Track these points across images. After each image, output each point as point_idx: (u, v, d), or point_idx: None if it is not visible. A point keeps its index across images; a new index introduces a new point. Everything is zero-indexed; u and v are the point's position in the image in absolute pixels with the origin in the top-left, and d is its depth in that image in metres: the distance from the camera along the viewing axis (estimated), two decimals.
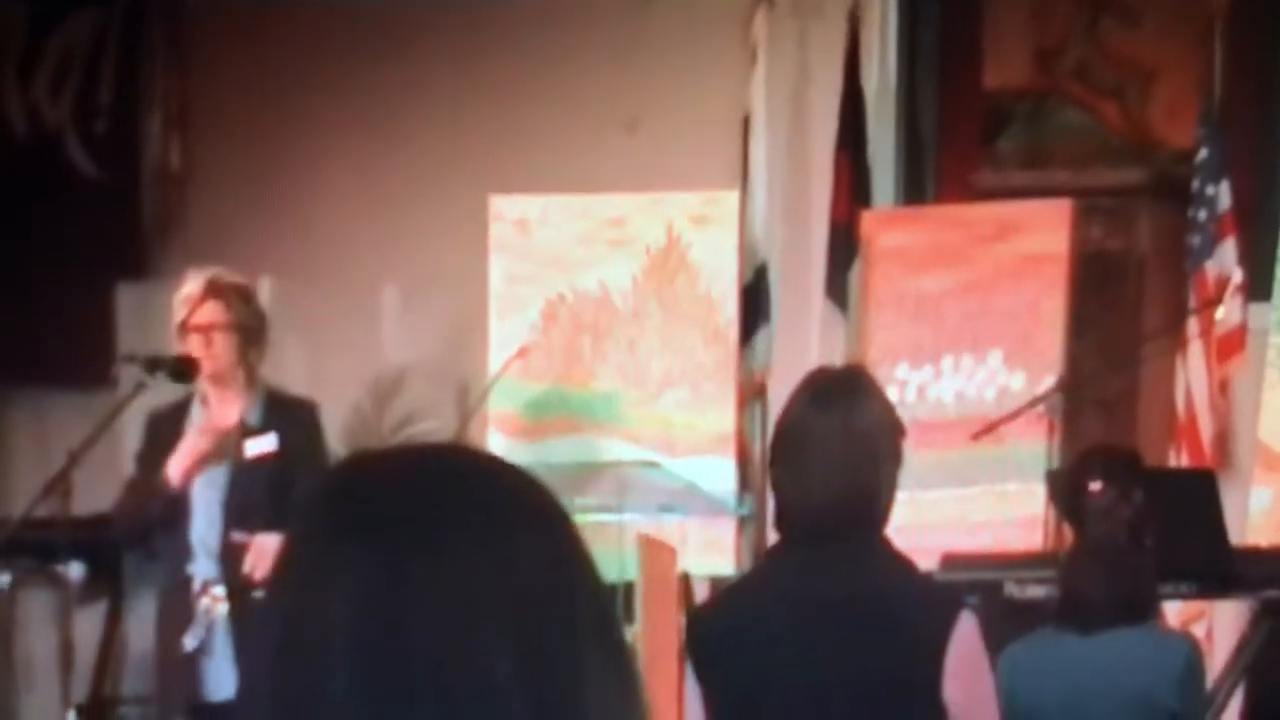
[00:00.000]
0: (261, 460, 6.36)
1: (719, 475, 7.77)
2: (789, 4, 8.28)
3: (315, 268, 8.81)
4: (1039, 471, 6.97)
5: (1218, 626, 7.16)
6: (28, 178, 9.18)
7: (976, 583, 6.13)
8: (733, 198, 7.98)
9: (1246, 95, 7.81)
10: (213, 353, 6.38)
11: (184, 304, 6.41)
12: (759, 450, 7.70)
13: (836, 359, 7.29)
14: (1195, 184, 7.57)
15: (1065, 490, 5.88)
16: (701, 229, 7.92)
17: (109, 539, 6.80)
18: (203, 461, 6.33)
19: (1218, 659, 6.60)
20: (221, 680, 6.24)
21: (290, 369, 7.82)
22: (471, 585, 1.35)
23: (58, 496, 6.50)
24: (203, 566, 6.33)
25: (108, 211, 9.12)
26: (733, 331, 7.91)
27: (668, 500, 7.48)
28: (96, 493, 6.71)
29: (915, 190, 8.34)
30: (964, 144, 8.44)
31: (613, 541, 6.83)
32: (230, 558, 6.26)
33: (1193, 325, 7.48)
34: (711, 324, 7.89)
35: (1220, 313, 7.43)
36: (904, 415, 4.00)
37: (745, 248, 8.00)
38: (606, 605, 1.42)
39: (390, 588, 1.34)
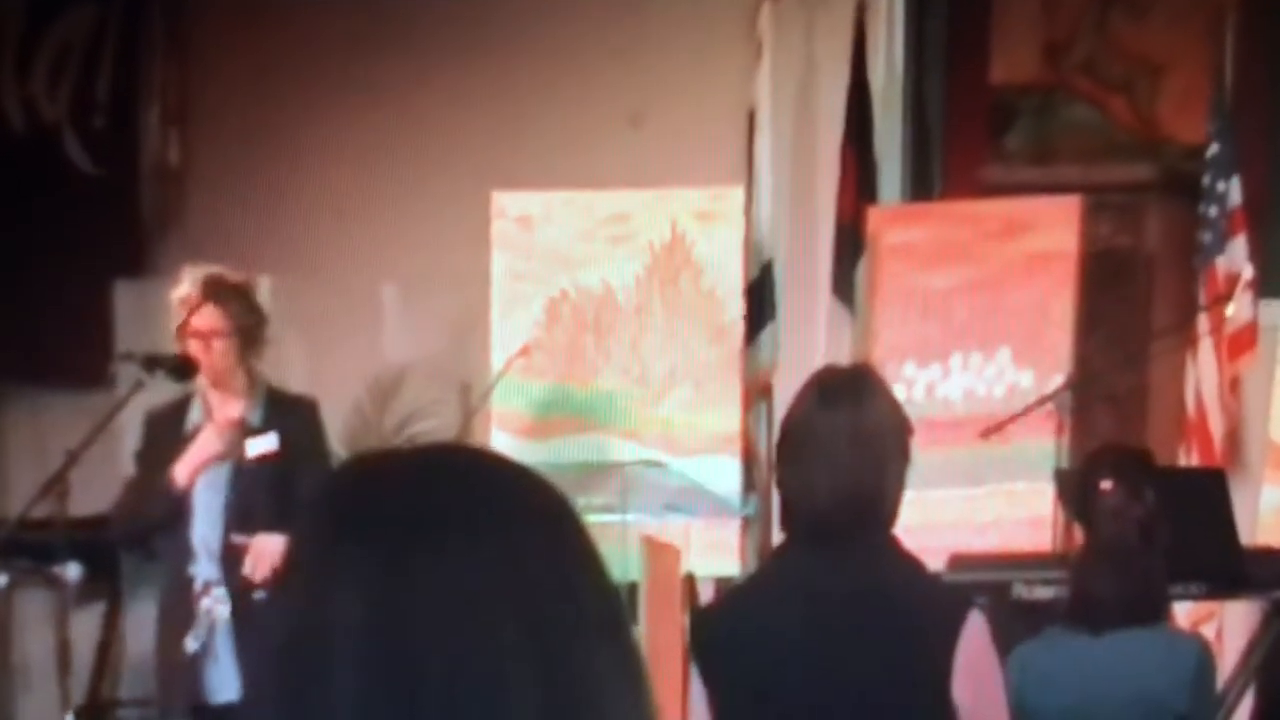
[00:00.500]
0: (263, 460, 6.34)
1: (723, 475, 7.76)
2: None
3: (315, 265, 8.81)
4: (1047, 470, 6.97)
5: (1228, 627, 7.18)
6: (25, 173, 9.17)
7: (984, 584, 6.09)
8: (738, 194, 7.96)
9: (1257, 89, 7.83)
10: (211, 357, 6.36)
11: (181, 307, 6.38)
12: (764, 450, 7.71)
13: (843, 357, 7.28)
14: (1205, 179, 7.58)
15: (1075, 489, 5.86)
16: (706, 225, 7.89)
17: (107, 540, 6.79)
18: (213, 462, 6.31)
19: (1228, 660, 6.61)
20: (223, 682, 6.23)
21: (290, 367, 7.83)
22: (478, 585, 1.35)
23: (55, 497, 6.49)
24: (204, 568, 6.31)
25: (106, 208, 9.13)
26: (738, 329, 7.89)
27: (672, 500, 7.50)
28: (94, 493, 6.69)
29: (922, 186, 8.33)
30: (971, 139, 8.45)
31: (616, 542, 6.82)
32: (231, 559, 6.25)
33: (1203, 322, 7.49)
34: (716, 322, 7.88)
35: (1231, 309, 7.44)
36: (911, 414, 3.97)
37: (750, 244, 7.99)
38: (615, 604, 1.41)
39: (396, 588, 1.34)
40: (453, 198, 8.51)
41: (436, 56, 8.76)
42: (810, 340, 8.00)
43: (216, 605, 6.26)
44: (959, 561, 6.52)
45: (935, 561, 5.75)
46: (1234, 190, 7.49)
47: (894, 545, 3.78)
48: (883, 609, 3.70)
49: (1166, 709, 4.95)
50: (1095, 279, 7.67)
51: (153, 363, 6.42)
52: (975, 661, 3.67)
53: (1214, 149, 7.55)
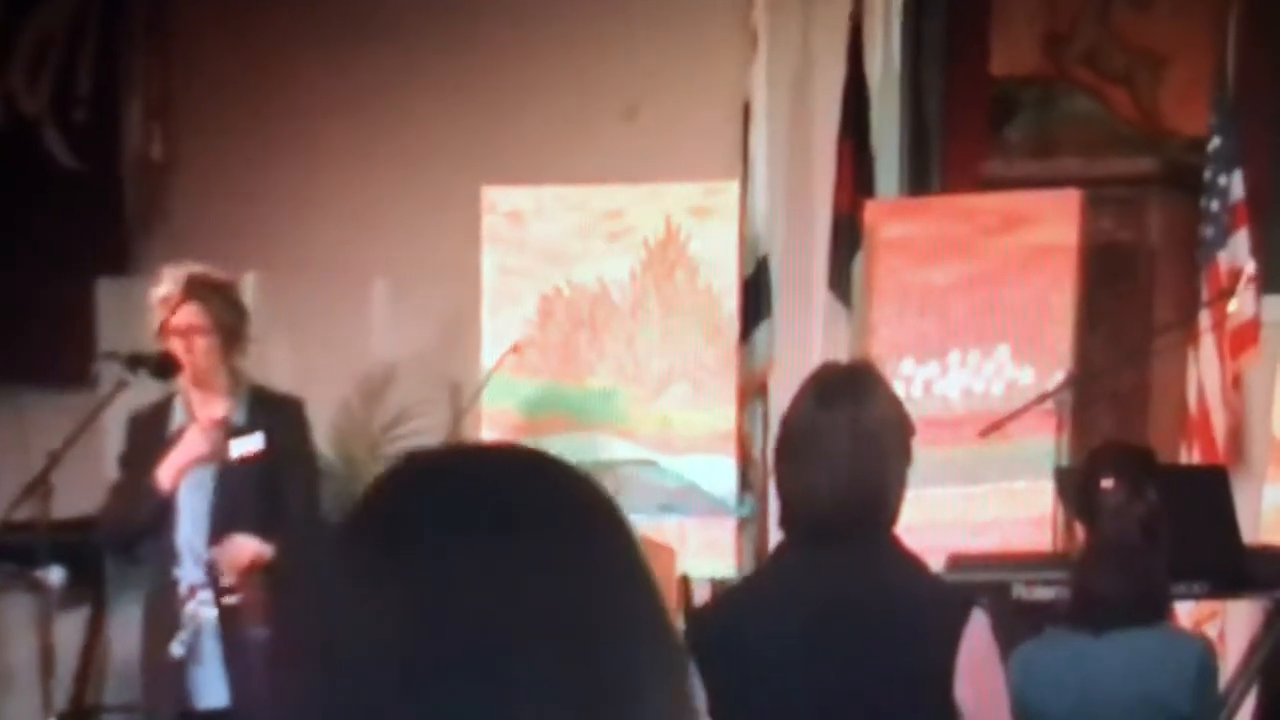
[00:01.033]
0: (247, 460, 6.33)
1: (719, 474, 7.74)
2: None
3: (302, 261, 8.79)
4: (1048, 469, 6.97)
5: (1230, 626, 7.17)
6: (4, 169, 9.16)
7: (984, 584, 6.07)
8: (733, 188, 7.93)
9: (1260, 82, 7.83)
10: (193, 355, 6.34)
11: (162, 305, 6.38)
12: (760, 449, 7.71)
13: (840, 354, 7.28)
14: (1207, 173, 7.57)
15: (1076, 488, 5.92)
16: (701, 221, 7.86)
17: (90, 543, 6.78)
18: (198, 464, 6.30)
19: (1230, 659, 6.60)
20: (209, 687, 6.23)
21: (276, 366, 7.82)
22: (523, 586, 1.35)
23: (37, 499, 6.45)
24: (189, 571, 6.29)
25: (88, 203, 9.15)
26: (733, 326, 7.85)
27: (667, 500, 7.51)
28: (77, 495, 6.67)
29: (920, 180, 8.33)
30: (970, 132, 8.45)
31: None
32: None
33: (1205, 318, 7.48)
34: (712, 318, 7.84)
35: (1233, 305, 7.43)
36: (909, 412, 3.98)
37: (746, 240, 7.98)
38: (662, 605, 1.41)
39: (440, 590, 1.34)
40: (442, 192, 8.50)
41: (425, 47, 8.77)
42: (806, 337, 8.00)
43: (202, 609, 6.23)
44: (958, 561, 6.52)
45: (934, 561, 5.73)
46: (1236, 184, 7.49)
47: (895, 545, 3.80)
48: (884, 609, 3.72)
49: (1169, 709, 4.96)
50: (1096, 274, 7.67)
51: (136, 362, 6.42)
52: (977, 662, 3.68)
53: (1216, 142, 7.54)
